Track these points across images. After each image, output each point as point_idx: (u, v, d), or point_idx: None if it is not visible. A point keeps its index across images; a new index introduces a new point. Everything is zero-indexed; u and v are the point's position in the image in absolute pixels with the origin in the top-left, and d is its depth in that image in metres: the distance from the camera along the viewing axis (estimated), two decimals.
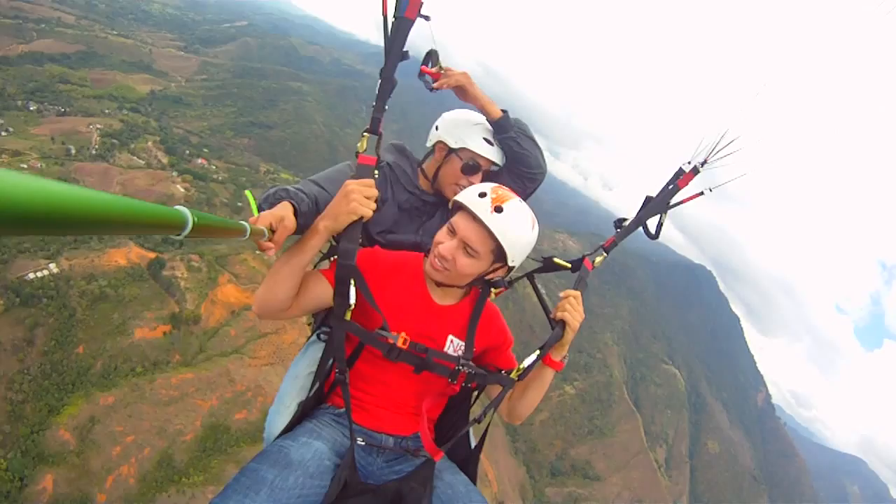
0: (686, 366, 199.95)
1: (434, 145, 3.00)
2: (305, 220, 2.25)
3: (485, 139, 2.92)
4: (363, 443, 2.36)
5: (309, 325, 3.19)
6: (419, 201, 3.01)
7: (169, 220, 0.99)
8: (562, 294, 2.47)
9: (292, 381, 2.74)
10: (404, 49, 2.32)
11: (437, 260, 2.29)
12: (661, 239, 2.85)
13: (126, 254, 74.65)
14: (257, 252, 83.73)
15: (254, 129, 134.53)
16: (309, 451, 2.11)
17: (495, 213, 2.18)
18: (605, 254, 2.86)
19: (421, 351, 2.29)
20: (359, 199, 2.18)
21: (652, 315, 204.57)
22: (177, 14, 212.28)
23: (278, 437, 2.28)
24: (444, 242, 2.27)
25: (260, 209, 2.21)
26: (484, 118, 2.97)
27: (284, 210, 2.11)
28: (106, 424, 57.44)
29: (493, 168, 2.98)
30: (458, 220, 2.26)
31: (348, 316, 2.25)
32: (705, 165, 2.72)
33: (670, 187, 2.81)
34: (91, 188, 0.71)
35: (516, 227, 2.22)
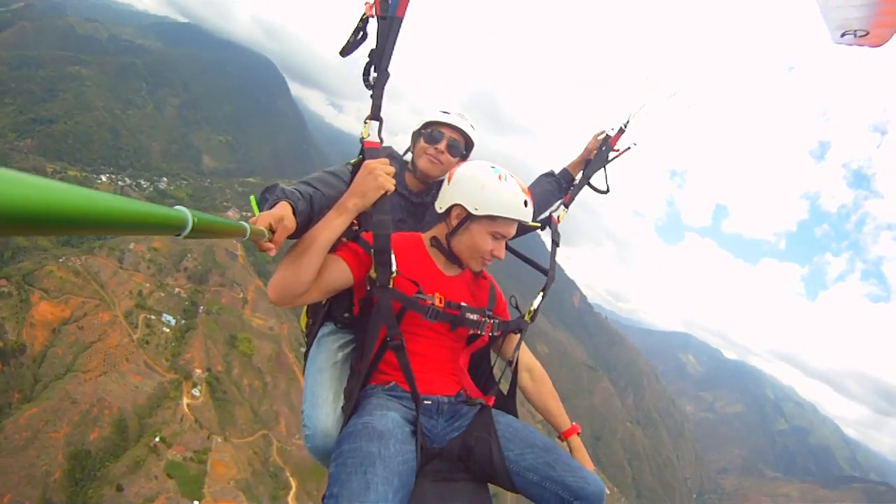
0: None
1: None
2: (302, 219, 2.30)
3: (441, 111, 3.06)
4: (429, 403, 2.52)
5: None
6: (409, 203, 3.11)
7: (169, 220, 0.99)
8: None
9: (318, 375, 2.78)
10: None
11: (486, 261, 2.70)
12: None
13: None
14: (61, 260, 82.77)
15: (36, 127, 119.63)
16: (389, 421, 2.25)
17: (527, 208, 2.60)
18: (565, 208, 3.47)
19: (455, 308, 2.56)
20: (382, 174, 2.37)
21: None
22: None
23: (351, 418, 2.39)
24: (495, 248, 2.62)
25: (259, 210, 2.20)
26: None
27: (283, 210, 2.15)
28: None
29: (459, 138, 3.06)
30: (502, 227, 2.59)
31: (391, 284, 2.41)
32: (628, 125, 3.52)
33: (603, 148, 3.56)
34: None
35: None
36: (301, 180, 2.68)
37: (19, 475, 57.60)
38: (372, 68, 2.50)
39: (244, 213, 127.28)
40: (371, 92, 2.51)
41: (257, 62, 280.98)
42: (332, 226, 2.34)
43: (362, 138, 2.56)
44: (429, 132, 3.04)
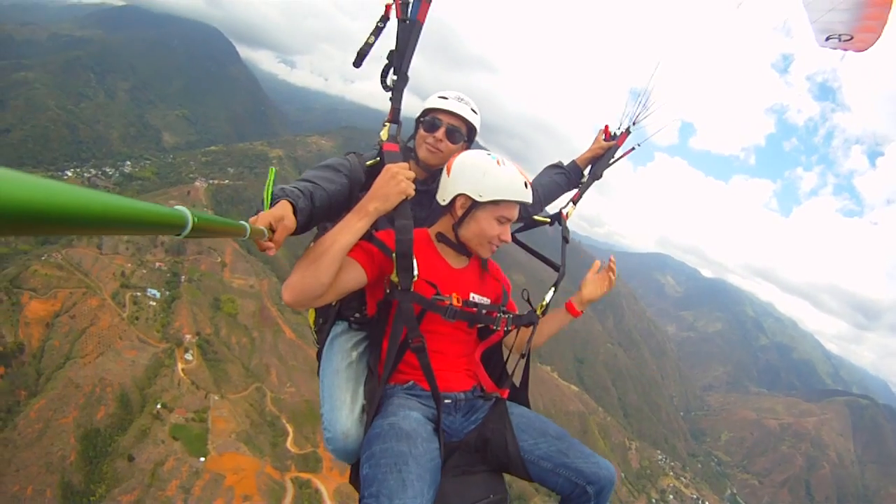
0: None
1: None
2: (303, 217, 2.26)
3: (439, 96, 2.92)
4: (449, 401, 2.56)
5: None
6: (416, 192, 2.70)
7: (169, 219, 0.99)
8: (607, 268, 3.04)
9: (334, 376, 2.74)
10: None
11: (494, 246, 2.69)
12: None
13: None
14: (43, 258, 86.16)
15: None
16: (413, 420, 2.29)
17: (527, 189, 2.60)
18: (573, 205, 3.56)
19: (472, 306, 2.58)
20: (404, 179, 2.37)
21: None
22: None
23: (375, 419, 2.41)
24: (502, 232, 2.63)
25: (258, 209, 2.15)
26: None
27: (283, 209, 2.11)
28: (3, 490, 57.43)
29: (459, 124, 2.92)
30: (506, 211, 2.60)
31: (411, 287, 2.40)
32: (635, 125, 3.70)
33: (610, 148, 3.70)
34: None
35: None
36: (300, 177, 2.59)
37: (37, 465, 60.96)
38: (391, 71, 2.59)
39: (211, 182, 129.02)
40: (390, 95, 2.60)
41: (202, 32, 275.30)
42: (353, 229, 2.34)
43: (380, 141, 2.61)
44: (427, 120, 2.94)
